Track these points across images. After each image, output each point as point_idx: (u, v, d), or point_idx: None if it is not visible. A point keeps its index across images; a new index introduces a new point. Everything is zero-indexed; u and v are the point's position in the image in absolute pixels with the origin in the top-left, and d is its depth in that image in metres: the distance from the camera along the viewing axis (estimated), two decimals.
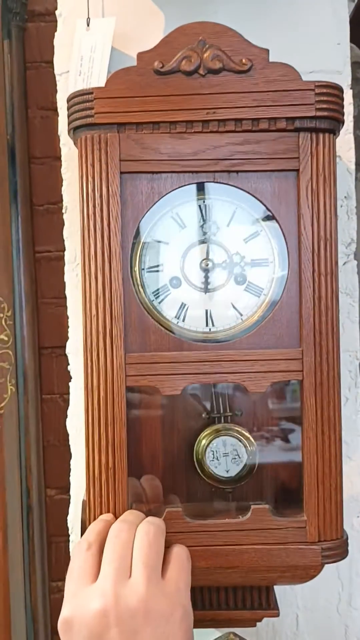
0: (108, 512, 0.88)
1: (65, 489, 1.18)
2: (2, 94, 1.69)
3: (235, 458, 0.97)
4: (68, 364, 1.15)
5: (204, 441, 0.97)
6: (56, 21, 1.14)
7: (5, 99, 1.69)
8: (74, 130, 0.90)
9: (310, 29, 1.11)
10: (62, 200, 1.14)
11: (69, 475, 1.16)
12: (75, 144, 0.94)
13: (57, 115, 1.13)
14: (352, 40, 1.47)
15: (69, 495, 1.17)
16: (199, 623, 0.99)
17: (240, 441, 0.97)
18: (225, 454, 0.97)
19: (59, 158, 1.15)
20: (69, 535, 1.16)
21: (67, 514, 1.17)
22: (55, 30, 1.14)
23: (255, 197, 0.90)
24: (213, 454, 0.97)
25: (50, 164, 1.79)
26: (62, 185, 1.13)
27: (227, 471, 0.97)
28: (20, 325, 1.68)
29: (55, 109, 1.14)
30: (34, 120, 1.81)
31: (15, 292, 1.68)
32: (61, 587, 1.75)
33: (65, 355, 1.15)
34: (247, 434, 0.98)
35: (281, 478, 1.00)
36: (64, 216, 1.13)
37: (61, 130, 1.13)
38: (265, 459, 0.99)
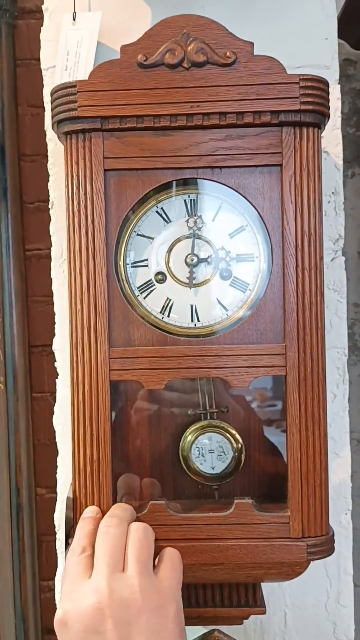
0: (93, 504, 0.88)
1: (56, 488, 1.18)
2: None
3: (220, 455, 0.96)
4: (55, 361, 1.15)
5: (189, 437, 0.97)
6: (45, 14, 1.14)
7: None
8: (57, 124, 0.90)
9: (297, 24, 1.11)
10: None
11: (57, 473, 1.15)
12: (59, 138, 0.93)
13: (44, 100, 1.13)
14: (342, 37, 1.47)
15: (57, 494, 1.16)
16: (185, 621, 0.99)
17: (226, 438, 0.96)
18: (210, 450, 0.96)
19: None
20: (57, 535, 1.16)
21: (54, 510, 1.16)
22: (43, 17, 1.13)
23: (239, 193, 0.90)
24: (199, 451, 0.96)
25: (40, 161, 1.78)
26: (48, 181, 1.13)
27: (213, 468, 0.97)
28: (9, 323, 1.67)
29: (43, 101, 1.14)
30: (24, 118, 1.81)
31: (5, 290, 1.67)
32: (52, 586, 1.74)
33: (53, 350, 1.14)
34: (232, 431, 0.97)
35: (269, 474, 0.99)
36: (51, 212, 1.13)
37: (47, 125, 1.12)
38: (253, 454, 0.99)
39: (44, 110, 1.15)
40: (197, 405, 0.98)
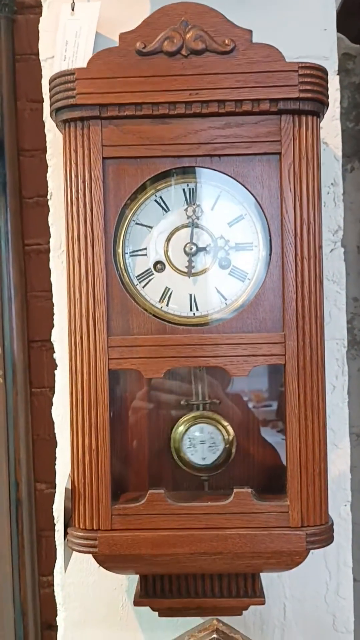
0: (92, 493, 0.88)
1: (55, 481, 1.18)
2: None
3: (212, 446, 0.96)
4: (54, 352, 1.14)
5: (181, 427, 0.96)
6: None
7: None
8: (56, 112, 0.90)
9: (296, 15, 1.10)
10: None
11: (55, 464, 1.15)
12: (57, 126, 0.93)
13: (42, 91, 1.13)
14: (342, 31, 1.47)
15: (56, 486, 1.16)
16: (184, 611, 0.99)
17: (217, 429, 0.96)
18: (202, 441, 0.96)
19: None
20: (55, 527, 1.16)
21: (53, 504, 1.16)
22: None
23: (238, 181, 0.89)
24: (190, 441, 0.96)
25: (39, 156, 1.77)
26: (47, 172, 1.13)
27: (204, 459, 0.96)
28: (9, 318, 1.67)
29: (42, 96, 1.14)
30: (23, 113, 1.80)
31: (4, 285, 1.67)
32: (51, 582, 1.74)
33: (52, 341, 1.14)
34: (224, 422, 0.97)
35: (262, 466, 0.99)
36: (49, 202, 1.12)
37: (46, 116, 1.12)
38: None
39: (44, 102, 1.15)
40: (190, 396, 0.98)
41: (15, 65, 1.80)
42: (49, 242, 1.16)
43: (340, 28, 1.41)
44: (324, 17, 1.11)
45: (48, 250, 1.16)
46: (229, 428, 0.97)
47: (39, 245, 1.79)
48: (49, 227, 1.15)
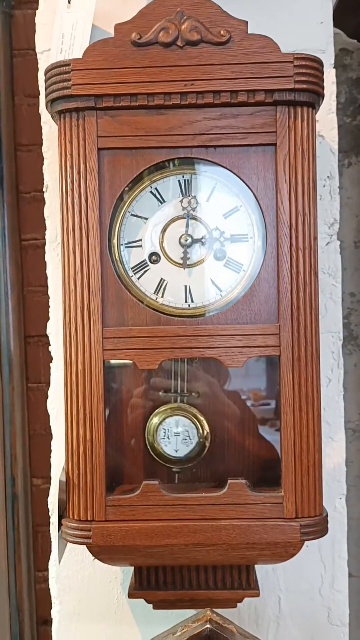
0: (86, 484, 0.88)
1: (50, 475, 1.18)
2: None
3: (185, 439, 0.96)
4: (49, 344, 1.14)
5: (155, 419, 0.96)
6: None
7: None
8: (51, 103, 0.90)
9: (293, 8, 1.10)
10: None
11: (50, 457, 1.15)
12: (52, 117, 0.93)
13: (39, 84, 1.13)
14: (339, 26, 1.47)
15: (51, 478, 1.16)
16: (178, 603, 0.99)
17: (192, 422, 0.96)
18: (176, 433, 0.96)
19: None
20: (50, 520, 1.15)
21: (48, 495, 1.16)
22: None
23: (233, 172, 0.90)
24: (164, 432, 0.96)
25: (37, 151, 1.77)
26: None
27: (176, 451, 0.96)
28: (5, 313, 1.67)
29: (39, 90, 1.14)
30: (20, 108, 1.80)
31: (1, 280, 1.67)
32: (47, 577, 1.74)
33: (47, 334, 1.14)
34: (200, 417, 0.97)
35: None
36: (45, 195, 1.12)
37: (42, 108, 1.12)
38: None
39: (40, 96, 1.15)
40: (169, 388, 0.98)
41: (12, 61, 1.80)
42: (45, 236, 1.16)
43: (337, 24, 1.41)
44: (321, 10, 1.11)
45: (44, 245, 1.16)
46: (205, 423, 0.96)
47: (36, 240, 1.79)
48: (44, 218, 1.15)
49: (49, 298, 1.16)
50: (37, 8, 1.16)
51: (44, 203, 1.15)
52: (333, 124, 1.12)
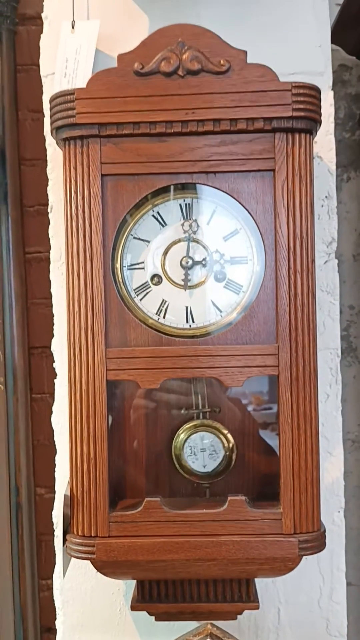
0: (90, 501, 0.90)
1: (54, 487, 1.20)
2: None
3: (212, 453, 0.99)
4: (54, 361, 1.17)
5: (182, 436, 0.99)
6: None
7: None
8: (56, 130, 0.93)
9: (292, 31, 1.13)
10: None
11: (55, 471, 1.17)
12: (57, 144, 0.96)
13: (43, 107, 1.16)
14: (338, 43, 1.49)
15: (55, 492, 1.19)
16: (180, 615, 1.01)
17: (217, 437, 0.99)
18: (202, 449, 0.98)
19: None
20: (55, 532, 1.18)
21: (53, 509, 1.19)
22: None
23: (233, 197, 0.92)
24: (191, 449, 0.98)
25: (40, 165, 1.79)
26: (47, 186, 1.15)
27: (204, 466, 0.99)
28: (9, 325, 1.69)
29: (43, 106, 1.17)
30: (24, 123, 1.83)
31: (5, 293, 1.69)
32: (50, 585, 1.76)
33: (52, 351, 1.17)
34: (224, 430, 0.99)
35: (261, 473, 1.02)
36: (50, 215, 1.15)
37: (47, 131, 1.15)
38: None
39: (44, 115, 1.18)
40: (190, 405, 1.00)
41: (16, 76, 1.82)
42: (49, 250, 1.18)
43: (337, 40, 1.44)
44: (319, 34, 1.14)
45: (48, 258, 1.19)
46: (229, 436, 0.99)
47: (40, 253, 1.81)
48: (49, 236, 1.17)
49: (52, 310, 1.19)
50: (40, 24, 1.19)
51: (47, 217, 1.18)
52: (331, 145, 1.15)
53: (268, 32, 1.13)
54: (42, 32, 1.18)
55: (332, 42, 1.32)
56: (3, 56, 1.78)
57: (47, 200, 1.18)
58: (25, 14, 1.84)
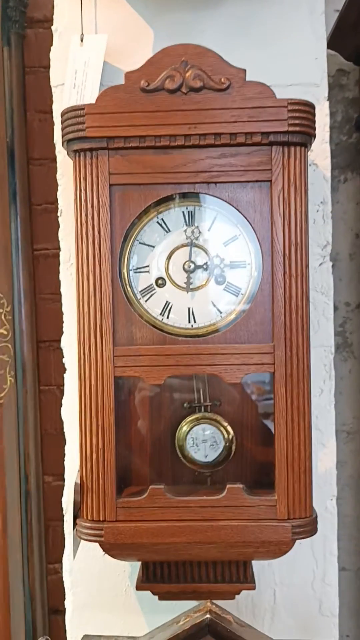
0: (99, 488, 0.97)
1: (62, 475, 1.27)
2: (2, 99, 1.76)
3: (213, 444, 1.06)
4: (63, 357, 1.24)
5: (185, 428, 1.06)
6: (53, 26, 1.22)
7: (5, 103, 1.76)
8: (67, 143, 0.99)
9: (289, 44, 1.19)
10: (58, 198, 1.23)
11: (64, 460, 1.24)
12: (68, 154, 1.02)
13: (53, 115, 1.22)
14: (336, 48, 1.55)
15: (64, 480, 1.26)
16: (181, 595, 1.09)
17: (218, 429, 1.06)
18: (204, 440, 1.06)
19: (56, 160, 1.23)
20: (64, 518, 1.25)
21: (61, 496, 1.26)
22: (53, 37, 1.22)
23: (232, 205, 0.98)
24: (193, 440, 1.05)
25: (48, 165, 1.85)
26: (57, 190, 1.22)
27: (206, 456, 1.06)
28: (19, 320, 1.75)
29: (52, 112, 1.23)
30: (32, 123, 1.88)
31: (15, 288, 1.75)
32: (58, 569, 1.83)
33: (61, 347, 1.23)
34: (224, 423, 1.06)
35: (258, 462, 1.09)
36: (59, 219, 1.21)
37: (57, 139, 1.21)
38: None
39: (52, 117, 1.24)
40: (192, 399, 1.07)
41: (25, 78, 1.87)
42: (56, 247, 1.25)
43: (335, 46, 1.49)
44: (316, 47, 1.20)
45: (55, 255, 1.25)
46: (229, 428, 1.06)
47: (47, 250, 1.87)
48: (56, 233, 1.24)
49: (59, 305, 1.25)
50: (47, 27, 1.25)
51: (54, 214, 1.24)
52: (326, 153, 1.21)
53: (267, 45, 1.19)
54: (49, 35, 1.24)
55: (331, 47, 1.38)
56: (12, 59, 1.83)
57: (55, 198, 1.25)
58: (34, 17, 1.89)
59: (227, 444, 1.06)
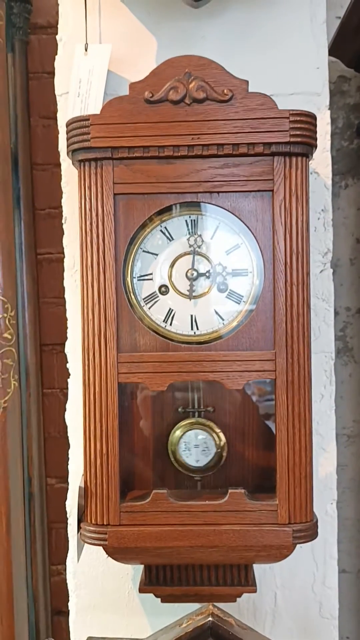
0: (103, 492, 0.99)
1: (65, 478, 1.28)
2: (6, 105, 1.78)
3: (205, 450, 1.07)
4: (67, 362, 1.25)
5: (177, 432, 1.08)
6: (57, 34, 1.24)
7: (9, 109, 1.78)
8: (72, 152, 1.00)
9: (291, 54, 1.20)
10: (62, 205, 1.24)
11: (68, 464, 1.26)
12: (73, 164, 1.04)
13: (58, 123, 1.24)
14: (337, 55, 1.56)
15: (68, 483, 1.27)
16: (183, 598, 1.10)
17: (210, 435, 1.07)
18: (196, 445, 1.07)
19: (59, 165, 1.25)
20: (68, 520, 1.27)
21: (66, 499, 1.27)
22: (57, 43, 1.24)
23: (234, 215, 1.00)
24: (185, 445, 1.07)
25: (51, 170, 1.87)
26: (61, 197, 1.23)
27: (197, 461, 1.08)
28: (22, 324, 1.77)
29: (56, 118, 1.25)
30: (36, 129, 1.89)
31: (18, 293, 1.76)
32: (60, 570, 1.85)
33: (65, 352, 1.25)
34: (217, 429, 1.08)
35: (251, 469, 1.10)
36: (64, 226, 1.23)
37: (61, 147, 1.22)
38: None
39: (55, 122, 1.25)
40: (187, 404, 1.09)
41: (28, 84, 1.89)
42: (59, 251, 1.26)
43: (336, 53, 1.51)
44: (317, 56, 1.21)
45: (59, 260, 1.27)
46: (221, 435, 1.08)
47: (50, 254, 1.88)
48: (59, 238, 1.25)
49: (63, 309, 1.27)
50: (51, 33, 1.26)
51: (57, 220, 1.25)
52: (327, 162, 1.22)
53: (269, 54, 1.20)
54: (53, 41, 1.25)
55: (332, 54, 1.39)
56: (15, 65, 1.85)
57: (58, 203, 1.26)
58: (37, 23, 1.90)
59: (219, 450, 1.08)
